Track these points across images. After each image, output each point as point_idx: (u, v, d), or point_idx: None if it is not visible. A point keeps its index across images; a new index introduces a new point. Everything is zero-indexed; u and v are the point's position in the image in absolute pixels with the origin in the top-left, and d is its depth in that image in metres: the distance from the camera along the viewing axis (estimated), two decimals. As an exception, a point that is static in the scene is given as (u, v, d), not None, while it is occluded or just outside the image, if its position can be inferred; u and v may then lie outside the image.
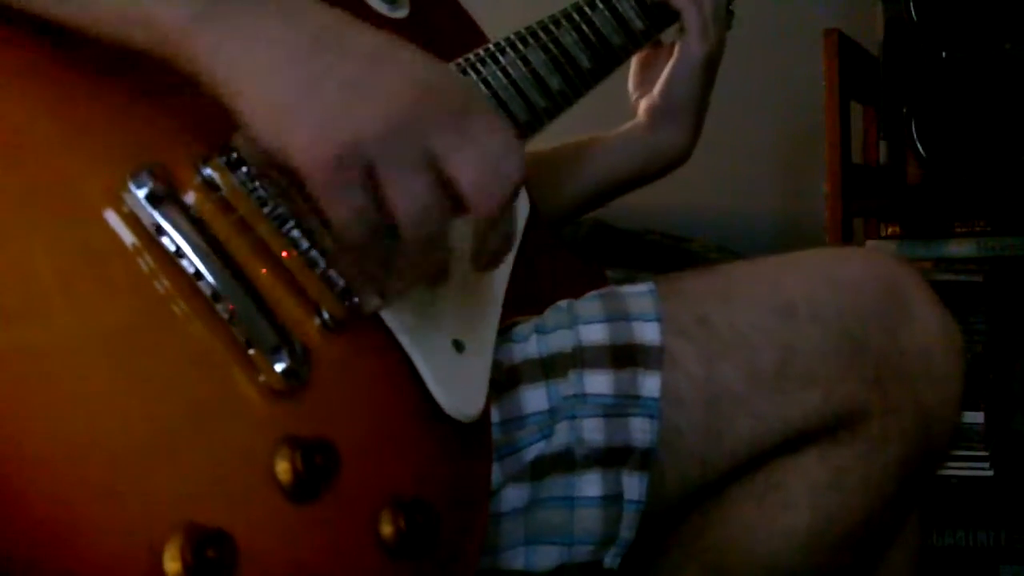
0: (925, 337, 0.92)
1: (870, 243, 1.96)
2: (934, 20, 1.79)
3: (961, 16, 1.79)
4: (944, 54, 1.80)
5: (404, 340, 0.74)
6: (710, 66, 1.16)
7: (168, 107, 0.69)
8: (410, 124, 0.64)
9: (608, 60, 1.12)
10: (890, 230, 1.97)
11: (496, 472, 0.86)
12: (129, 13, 0.63)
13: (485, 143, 0.67)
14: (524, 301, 0.92)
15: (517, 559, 0.88)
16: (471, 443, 0.78)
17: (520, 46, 1.02)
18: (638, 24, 1.14)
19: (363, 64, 0.64)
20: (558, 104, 1.05)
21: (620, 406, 0.88)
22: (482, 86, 0.98)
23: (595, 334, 0.90)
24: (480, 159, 0.66)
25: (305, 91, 0.62)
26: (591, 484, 0.88)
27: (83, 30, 0.65)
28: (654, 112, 1.18)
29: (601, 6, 1.11)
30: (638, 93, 1.22)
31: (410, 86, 0.65)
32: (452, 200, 0.67)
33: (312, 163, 0.63)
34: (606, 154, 1.22)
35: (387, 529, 0.66)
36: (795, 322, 0.90)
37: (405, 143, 0.64)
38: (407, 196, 0.65)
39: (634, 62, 1.21)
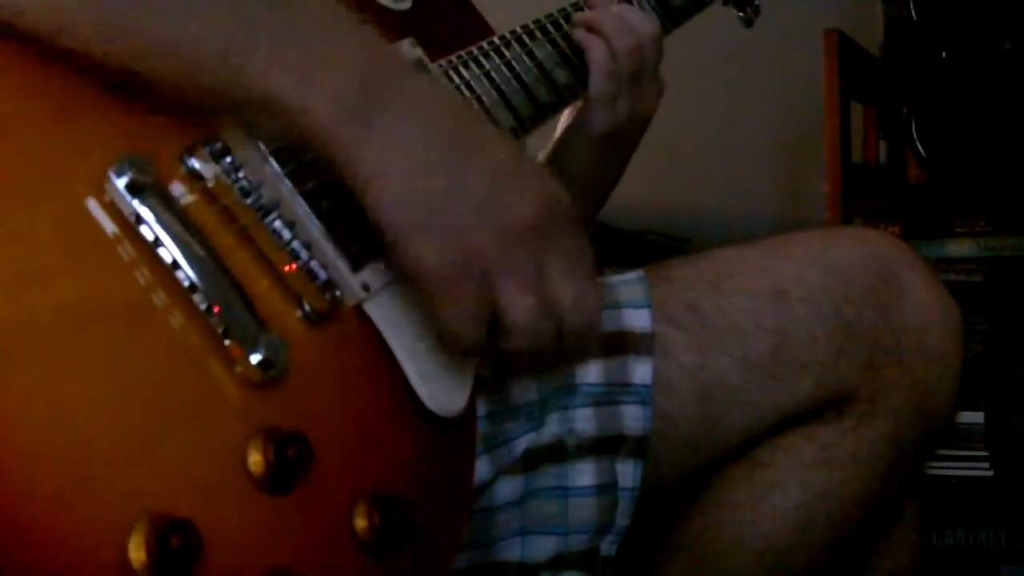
0: (919, 315, 0.91)
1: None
2: (934, 20, 1.79)
3: (961, 16, 1.79)
4: (944, 54, 1.80)
5: (387, 333, 0.73)
6: (613, 144, 1.00)
7: (155, 98, 0.69)
8: (528, 240, 0.69)
9: None
10: (890, 230, 1.96)
11: (486, 465, 0.86)
12: (267, 97, 0.66)
13: (583, 264, 0.73)
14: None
15: (513, 550, 0.87)
16: (453, 439, 0.77)
17: (527, 40, 0.99)
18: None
19: (490, 181, 0.69)
20: (564, 99, 1.01)
21: (611, 394, 0.88)
22: (484, 80, 0.95)
23: None
24: (580, 276, 0.72)
25: (438, 205, 0.68)
26: (584, 473, 0.87)
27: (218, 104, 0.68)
28: None
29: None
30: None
31: (529, 205, 0.70)
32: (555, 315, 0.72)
33: (436, 270, 0.68)
34: None
35: (361, 523, 0.66)
36: (786, 306, 0.90)
37: (522, 257, 0.69)
38: (520, 306, 0.70)
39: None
